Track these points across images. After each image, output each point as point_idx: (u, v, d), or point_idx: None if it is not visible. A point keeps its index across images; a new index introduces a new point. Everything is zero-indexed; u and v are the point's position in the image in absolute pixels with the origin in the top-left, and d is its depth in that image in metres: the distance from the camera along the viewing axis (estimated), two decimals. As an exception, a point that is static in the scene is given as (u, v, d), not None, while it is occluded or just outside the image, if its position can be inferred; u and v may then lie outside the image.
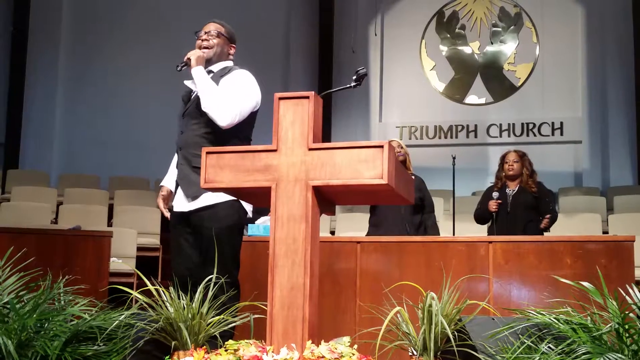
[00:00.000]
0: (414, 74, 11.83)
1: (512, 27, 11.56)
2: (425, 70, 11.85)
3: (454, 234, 6.51)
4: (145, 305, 2.46)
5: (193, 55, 3.19)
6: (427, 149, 11.23)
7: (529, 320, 2.31)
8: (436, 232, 5.26)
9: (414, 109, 11.72)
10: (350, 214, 8.69)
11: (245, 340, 2.13)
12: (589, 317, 2.27)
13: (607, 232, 7.59)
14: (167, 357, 2.37)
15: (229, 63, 3.34)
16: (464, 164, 9.31)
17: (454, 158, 6.77)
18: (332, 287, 4.16)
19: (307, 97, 2.17)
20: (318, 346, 2.04)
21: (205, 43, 3.27)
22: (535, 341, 2.25)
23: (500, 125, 11.29)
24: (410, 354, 2.38)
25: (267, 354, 2.02)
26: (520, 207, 5.40)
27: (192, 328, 2.39)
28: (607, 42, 10.91)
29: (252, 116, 3.22)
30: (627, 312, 2.16)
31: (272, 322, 2.08)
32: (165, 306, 2.42)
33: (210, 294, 2.49)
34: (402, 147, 5.22)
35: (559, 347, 2.15)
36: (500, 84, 11.47)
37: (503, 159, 5.65)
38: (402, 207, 4.98)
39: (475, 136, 11.38)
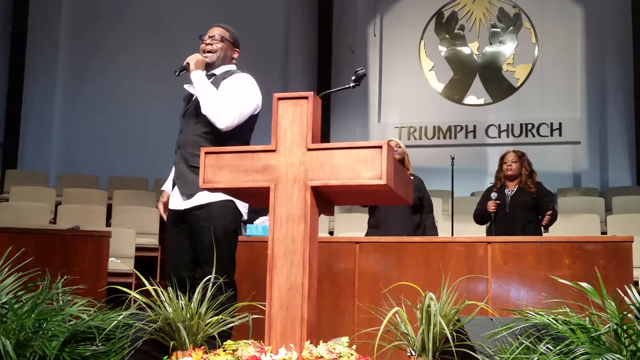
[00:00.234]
0: (413, 74, 11.83)
1: (511, 27, 11.57)
2: (424, 71, 11.85)
3: (452, 235, 6.51)
4: (144, 306, 2.46)
5: (192, 59, 3.22)
6: (426, 150, 11.24)
7: (527, 321, 2.31)
8: (435, 232, 5.26)
9: (412, 110, 11.72)
10: (349, 215, 8.69)
11: (244, 341, 2.13)
12: (587, 318, 2.27)
13: (605, 233, 7.59)
14: (166, 357, 2.37)
15: (232, 67, 3.38)
16: (463, 165, 9.31)
17: (452, 158, 6.76)
18: (330, 288, 4.16)
19: (306, 98, 2.17)
20: (316, 346, 2.04)
21: (209, 47, 3.31)
22: (534, 342, 2.25)
23: (499, 125, 11.30)
24: (408, 354, 2.38)
25: (265, 354, 2.02)
26: (519, 207, 5.40)
27: (190, 328, 2.39)
28: (606, 42, 10.92)
29: (252, 119, 3.25)
30: (625, 313, 2.16)
31: (270, 322, 2.08)
32: (164, 306, 2.42)
33: (209, 294, 2.49)
34: (399, 146, 5.21)
35: (557, 348, 2.15)
36: (499, 85, 11.48)
37: (502, 159, 5.65)
38: (400, 208, 4.98)
39: (474, 137, 11.39)
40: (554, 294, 3.30)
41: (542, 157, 9.77)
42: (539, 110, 11.16)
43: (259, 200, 2.27)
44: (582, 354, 2.08)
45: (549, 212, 5.40)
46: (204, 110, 3.12)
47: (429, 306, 2.32)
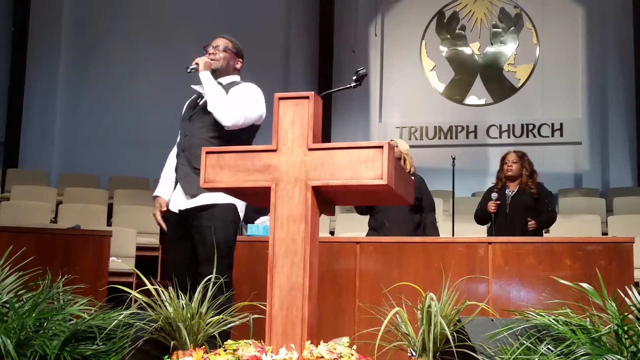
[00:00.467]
0: (414, 74, 11.82)
1: (512, 28, 11.56)
2: (425, 71, 11.84)
3: (453, 235, 6.51)
4: (145, 305, 2.46)
5: (201, 60, 3.30)
6: (427, 150, 11.22)
7: (528, 322, 2.31)
8: (435, 232, 5.25)
9: (413, 110, 11.71)
10: (350, 215, 8.67)
11: (244, 340, 2.13)
12: (588, 319, 2.27)
13: (606, 234, 7.58)
14: (166, 356, 2.37)
15: (237, 77, 3.44)
16: (464, 165, 9.31)
17: (453, 159, 6.75)
18: (331, 288, 4.16)
19: (307, 97, 2.17)
20: (317, 346, 2.04)
21: (212, 57, 3.37)
22: (535, 342, 2.25)
23: (500, 126, 11.29)
24: (409, 354, 2.38)
25: (266, 354, 2.02)
26: (519, 208, 5.39)
27: (191, 328, 2.39)
28: (607, 43, 10.90)
29: (254, 128, 3.30)
30: (626, 314, 2.16)
31: (271, 322, 2.08)
32: (165, 306, 2.42)
33: (209, 293, 2.49)
34: (397, 146, 5.15)
35: (558, 349, 2.15)
36: (500, 85, 11.47)
37: (503, 159, 5.64)
38: (400, 209, 4.97)
39: (475, 137, 11.38)
40: (555, 294, 3.30)
41: (543, 157, 9.77)
42: (540, 110, 11.15)
43: (260, 200, 2.27)
44: (583, 355, 2.08)
45: (536, 220, 5.32)
46: (210, 108, 3.17)
47: (429, 306, 2.31)
